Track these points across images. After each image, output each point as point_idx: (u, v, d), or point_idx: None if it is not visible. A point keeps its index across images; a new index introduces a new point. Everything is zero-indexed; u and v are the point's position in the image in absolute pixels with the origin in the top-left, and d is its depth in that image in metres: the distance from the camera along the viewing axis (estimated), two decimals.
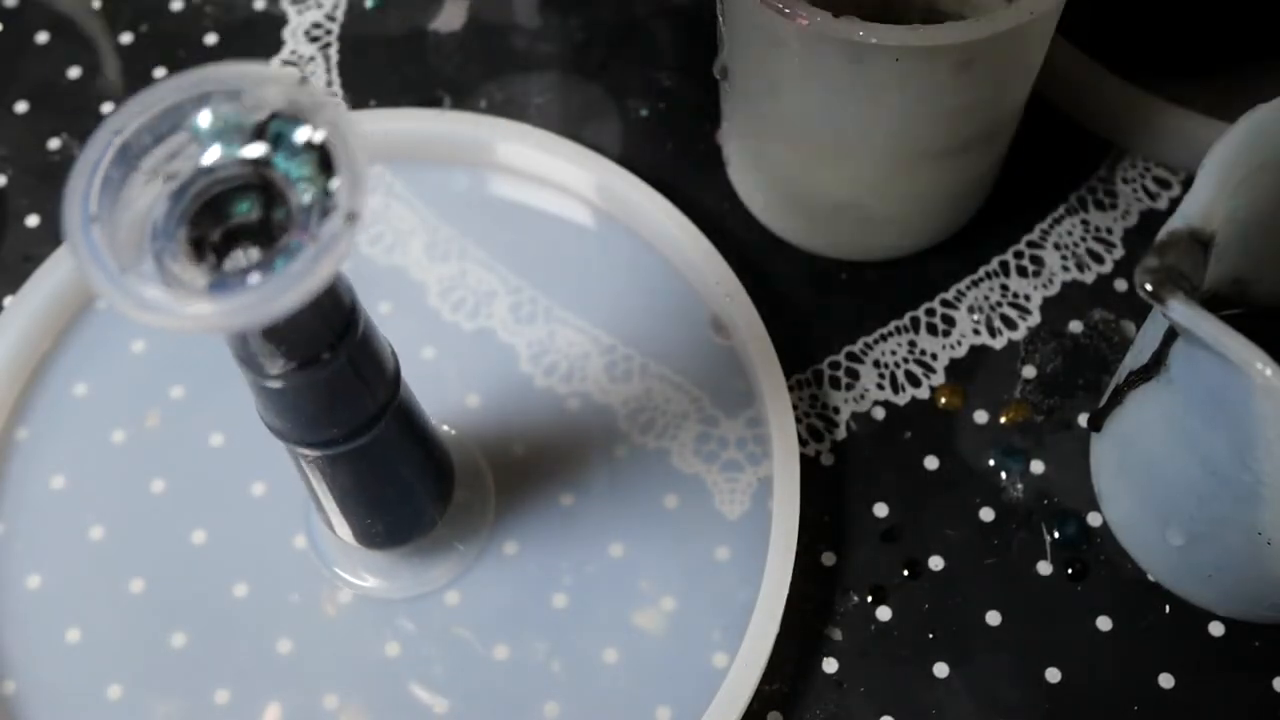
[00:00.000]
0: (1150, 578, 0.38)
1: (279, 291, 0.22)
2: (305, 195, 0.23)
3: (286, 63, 0.45)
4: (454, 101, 0.44)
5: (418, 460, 0.33)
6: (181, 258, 0.23)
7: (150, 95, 0.24)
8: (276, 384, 0.27)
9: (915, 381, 0.40)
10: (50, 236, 0.42)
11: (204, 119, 0.24)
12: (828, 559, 0.38)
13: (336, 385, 0.28)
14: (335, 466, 0.31)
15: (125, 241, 0.23)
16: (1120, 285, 0.42)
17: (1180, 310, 0.29)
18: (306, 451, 0.30)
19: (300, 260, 0.23)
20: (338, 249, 0.23)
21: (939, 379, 0.40)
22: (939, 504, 0.39)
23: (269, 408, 0.29)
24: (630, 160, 0.43)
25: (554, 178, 0.42)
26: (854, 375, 0.40)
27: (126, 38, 0.46)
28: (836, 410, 0.40)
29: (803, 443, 0.39)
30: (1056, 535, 0.38)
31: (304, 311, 0.24)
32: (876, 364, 0.41)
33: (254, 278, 0.23)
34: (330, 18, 0.46)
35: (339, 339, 0.27)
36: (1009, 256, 0.42)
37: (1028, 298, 0.41)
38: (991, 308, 0.41)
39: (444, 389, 0.40)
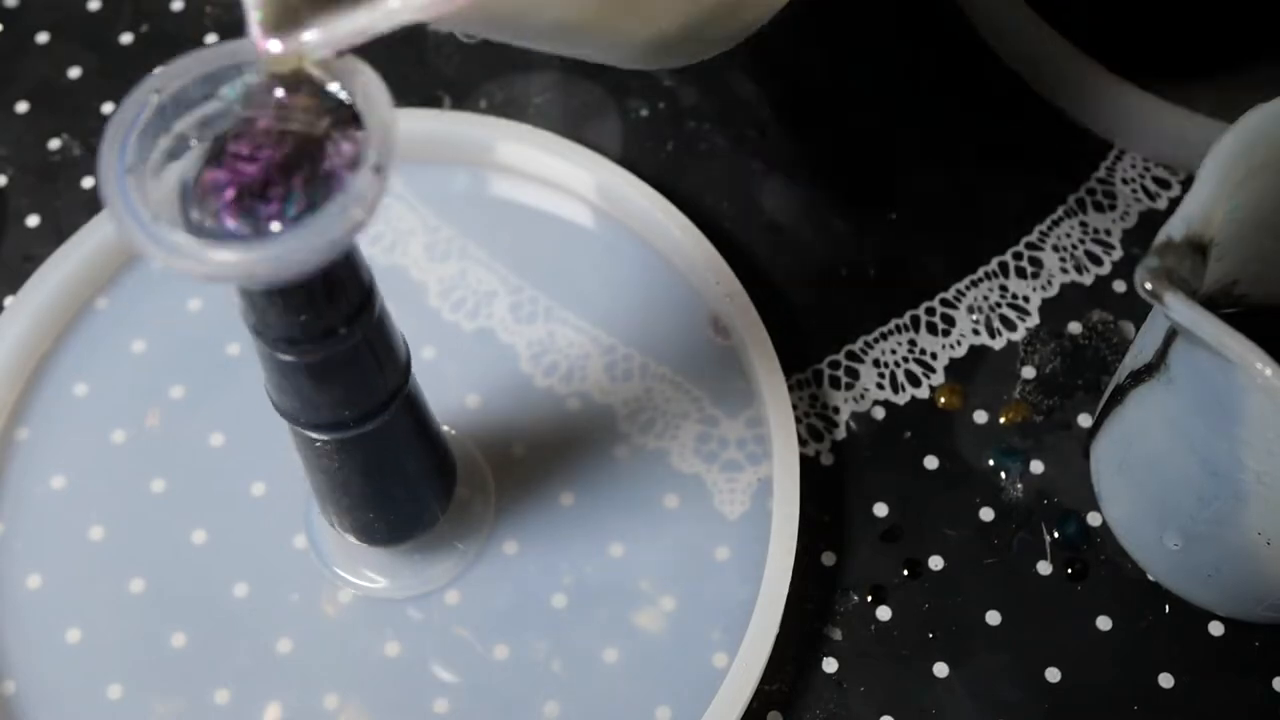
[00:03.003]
0: (1150, 578, 0.38)
1: (306, 241, 0.23)
2: (335, 156, 0.24)
3: None
4: (454, 101, 0.44)
5: (422, 454, 0.34)
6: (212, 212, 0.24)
7: (190, 59, 0.24)
8: (291, 358, 0.27)
9: (915, 381, 0.40)
10: (50, 236, 0.42)
11: (236, 84, 0.24)
12: (828, 559, 0.38)
13: (350, 364, 0.28)
14: (342, 454, 0.31)
15: (156, 203, 0.24)
16: (1119, 286, 0.42)
17: (1180, 309, 0.29)
18: (315, 435, 0.30)
19: (328, 212, 0.23)
20: (366, 201, 0.23)
21: (939, 379, 0.40)
22: (939, 504, 0.39)
23: (280, 386, 0.29)
24: (630, 160, 0.43)
25: (554, 178, 0.42)
26: (854, 375, 0.40)
27: (126, 38, 0.46)
28: (836, 410, 0.40)
29: (803, 443, 0.39)
30: (1056, 535, 0.39)
31: (324, 279, 0.25)
32: (876, 363, 0.41)
33: (280, 228, 0.23)
34: None
35: (356, 314, 0.27)
36: (1008, 258, 0.42)
37: (1026, 299, 0.41)
38: (991, 308, 0.41)
39: (444, 389, 0.40)
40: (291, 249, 0.23)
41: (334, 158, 0.24)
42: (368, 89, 0.24)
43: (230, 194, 0.24)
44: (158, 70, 0.24)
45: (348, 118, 0.24)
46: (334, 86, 0.24)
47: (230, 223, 0.24)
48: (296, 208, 0.23)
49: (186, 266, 0.23)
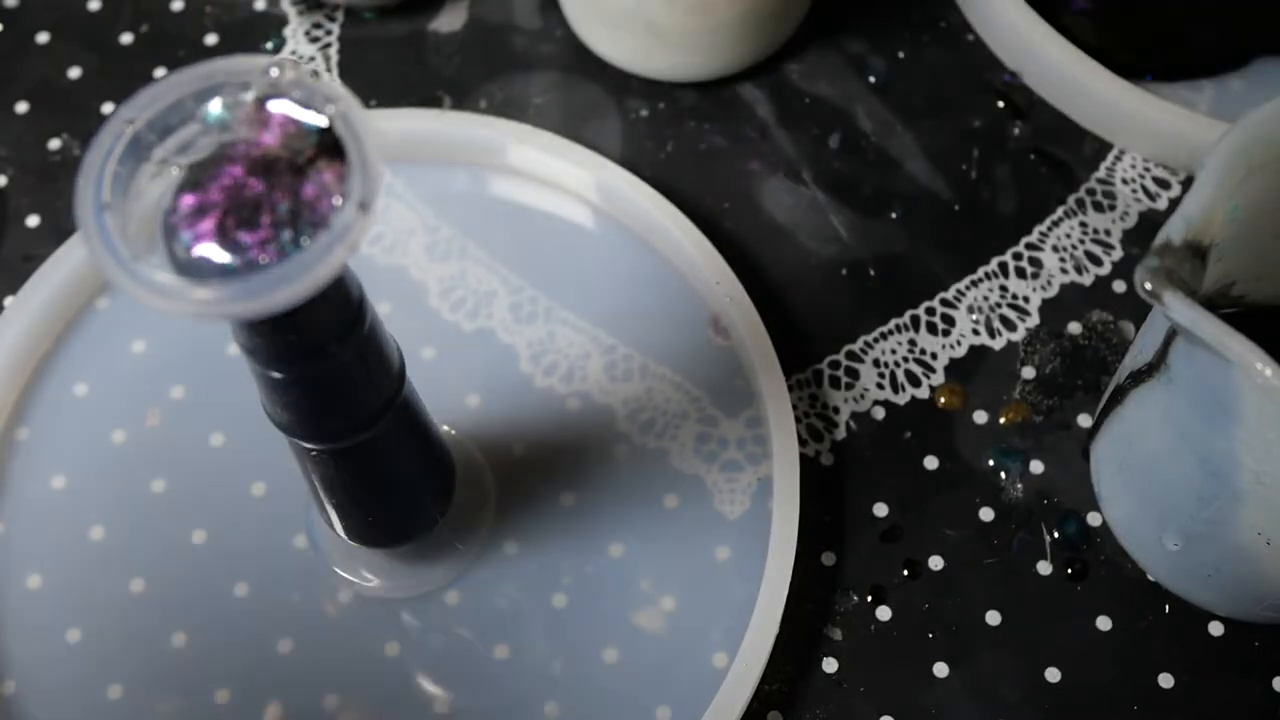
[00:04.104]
0: (1150, 578, 0.38)
1: (290, 279, 0.22)
2: (316, 185, 0.23)
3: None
4: (454, 101, 0.44)
5: (420, 458, 0.34)
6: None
7: (162, 86, 0.24)
8: (283, 375, 0.27)
9: (915, 381, 0.40)
10: (50, 236, 0.42)
11: (215, 108, 0.24)
12: (828, 559, 0.38)
13: (342, 379, 0.28)
14: (338, 462, 0.31)
15: (136, 232, 0.23)
16: (1119, 287, 0.42)
17: (1180, 309, 0.29)
18: (310, 446, 0.30)
19: (312, 249, 0.23)
20: (350, 238, 0.23)
21: (939, 379, 0.40)
22: (939, 504, 0.39)
23: (274, 400, 0.29)
24: (630, 160, 0.43)
25: (554, 178, 0.42)
26: (854, 375, 0.40)
27: (126, 38, 0.46)
28: (836, 410, 0.40)
29: (803, 443, 0.39)
30: (1056, 535, 0.39)
31: (313, 302, 0.24)
32: (876, 363, 0.41)
33: (265, 264, 0.23)
34: (330, 18, 0.46)
35: (346, 332, 0.27)
36: (1007, 258, 0.42)
37: (1026, 299, 0.41)
38: (991, 309, 0.41)
39: (444, 389, 0.40)
40: (274, 288, 0.22)
41: (316, 185, 0.23)
42: (349, 118, 0.24)
43: (211, 222, 0.23)
44: (129, 101, 0.24)
45: (329, 144, 0.24)
46: (314, 112, 0.24)
47: (210, 252, 0.23)
48: (281, 236, 0.23)
49: (166, 306, 0.22)
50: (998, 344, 0.41)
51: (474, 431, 0.39)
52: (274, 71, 0.24)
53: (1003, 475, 0.39)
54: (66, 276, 0.40)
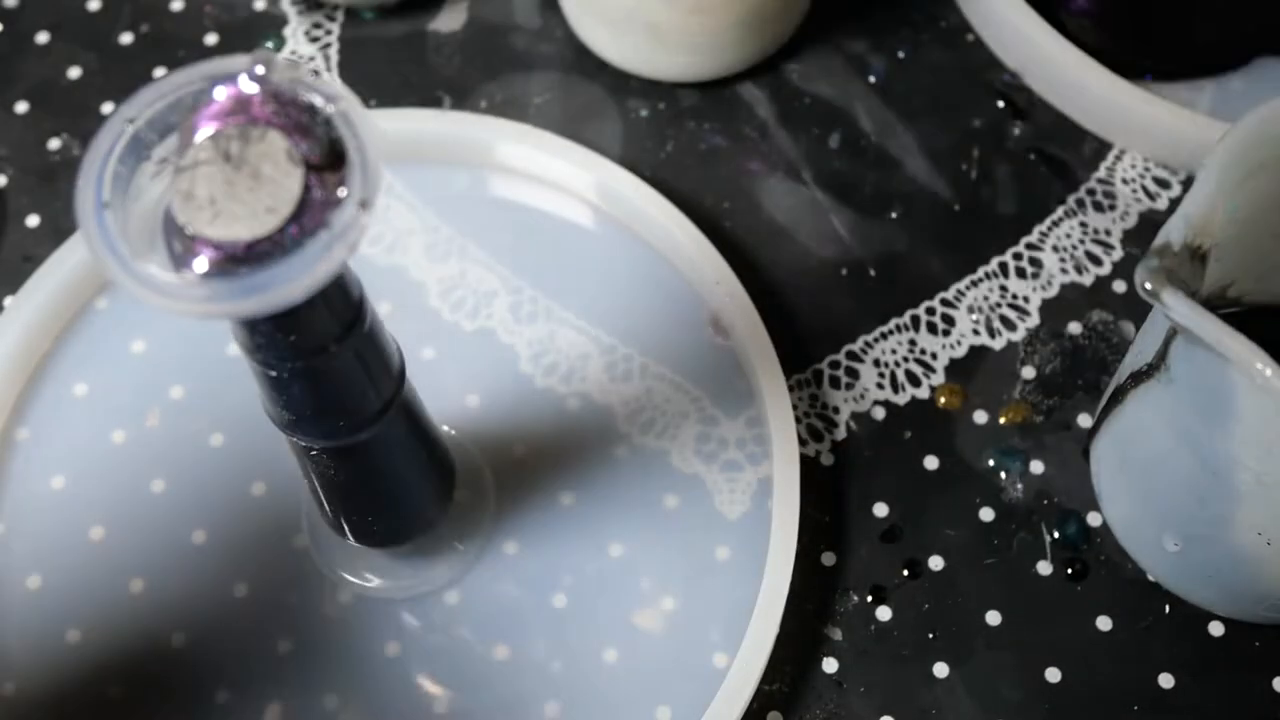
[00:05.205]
0: (1150, 578, 0.38)
1: (290, 277, 0.22)
2: (316, 183, 0.23)
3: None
4: (454, 101, 0.44)
5: (419, 458, 0.33)
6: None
7: (162, 85, 0.24)
8: (283, 374, 0.27)
9: (915, 381, 0.40)
10: (50, 236, 0.42)
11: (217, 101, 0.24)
12: (828, 559, 0.38)
13: (342, 378, 0.28)
14: (338, 462, 0.31)
15: (137, 231, 0.23)
16: (1119, 287, 0.42)
17: (1180, 309, 0.29)
18: (310, 446, 0.30)
19: (313, 247, 0.23)
20: (350, 236, 0.23)
21: (939, 379, 0.40)
22: (939, 504, 0.39)
23: (274, 400, 0.29)
24: (630, 160, 0.43)
25: (554, 178, 0.42)
26: (854, 375, 0.40)
27: (126, 38, 0.46)
28: (836, 410, 0.40)
29: (803, 443, 0.39)
30: (1056, 535, 0.39)
31: (313, 301, 0.24)
32: (876, 363, 0.41)
33: (266, 264, 0.23)
34: (330, 18, 0.46)
35: (346, 331, 0.27)
36: (1008, 258, 0.42)
37: (1026, 299, 0.41)
38: (991, 308, 0.41)
39: (444, 389, 0.40)
40: (273, 286, 0.22)
41: (316, 187, 0.23)
42: (349, 116, 0.24)
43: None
44: (129, 100, 0.24)
45: (328, 144, 0.24)
46: (316, 106, 0.24)
47: (210, 250, 0.23)
48: (281, 235, 0.23)
49: (167, 304, 0.22)
50: (998, 344, 0.41)
51: (474, 431, 0.39)
52: (274, 70, 0.24)
53: (1003, 475, 0.39)
54: (66, 276, 0.40)
